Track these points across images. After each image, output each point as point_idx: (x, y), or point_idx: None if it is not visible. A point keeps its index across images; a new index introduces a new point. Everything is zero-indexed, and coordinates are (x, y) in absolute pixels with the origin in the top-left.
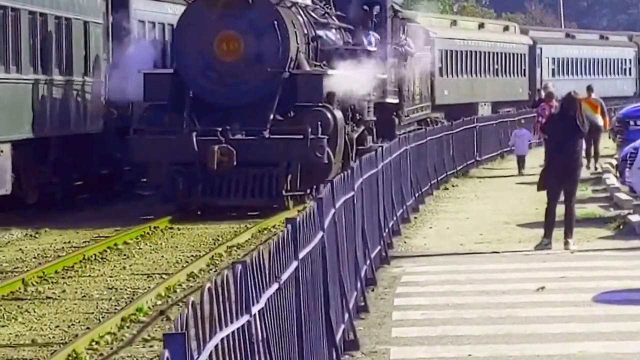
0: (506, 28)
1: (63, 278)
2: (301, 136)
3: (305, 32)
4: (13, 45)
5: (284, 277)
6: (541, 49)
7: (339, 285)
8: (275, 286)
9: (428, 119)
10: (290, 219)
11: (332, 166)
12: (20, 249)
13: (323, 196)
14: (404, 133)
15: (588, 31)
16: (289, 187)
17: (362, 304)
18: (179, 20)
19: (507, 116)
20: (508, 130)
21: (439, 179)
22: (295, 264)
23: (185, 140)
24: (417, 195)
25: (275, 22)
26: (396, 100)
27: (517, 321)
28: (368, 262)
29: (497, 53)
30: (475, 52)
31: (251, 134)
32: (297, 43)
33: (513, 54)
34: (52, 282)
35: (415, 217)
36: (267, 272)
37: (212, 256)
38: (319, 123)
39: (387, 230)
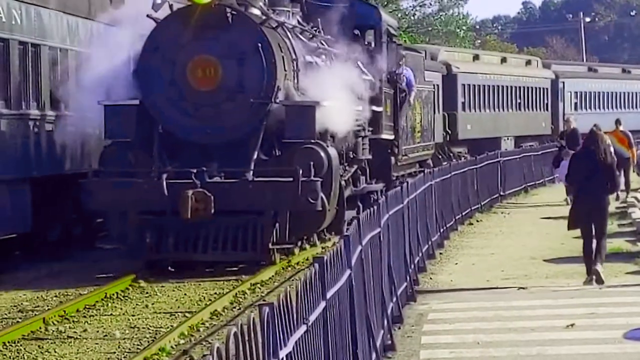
0: (528, 62)
1: (84, 317)
2: (290, 179)
3: (294, 57)
4: (33, 81)
5: (312, 318)
6: (564, 83)
7: (366, 324)
8: (303, 328)
9: (430, 161)
10: (318, 258)
11: (326, 213)
12: (41, 288)
13: (350, 233)
14: (402, 175)
15: (610, 65)
16: (276, 239)
17: (389, 342)
18: (145, 43)
19: (531, 150)
20: (532, 165)
21: (463, 214)
22: (323, 304)
23: (154, 184)
24: (442, 230)
25: (259, 45)
26: (392, 136)
27: (547, 359)
28: (395, 299)
29: (519, 87)
30: (498, 86)
31: (231, 177)
32: (285, 69)
33: (535, 88)
34: (73, 322)
35: (441, 253)
36: (294, 313)
37: (236, 294)
38: (311, 163)
39: (413, 266)
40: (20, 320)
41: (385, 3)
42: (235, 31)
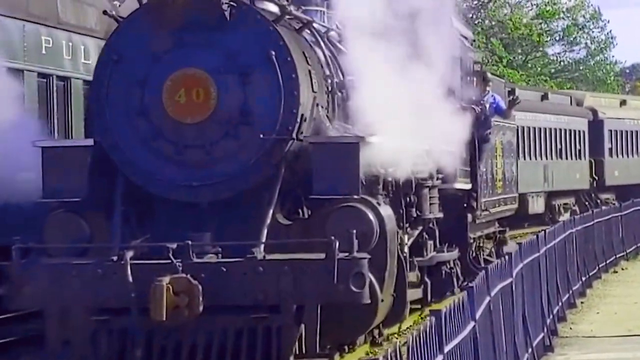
0: None
1: None
2: (322, 256)
3: (327, 72)
4: None
5: None
6: None
7: None
8: None
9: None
10: (435, 311)
11: (377, 305)
12: None
13: (475, 285)
14: (480, 236)
15: None
16: (301, 349)
17: None
18: (101, 53)
19: None
20: None
21: (607, 262)
22: (440, 358)
23: (113, 267)
24: (584, 279)
25: (273, 53)
26: (468, 186)
27: None
28: (530, 350)
29: None
30: None
31: (232, 254)
32: (313, 90)
33: None
34: None
35: (582, 302)
36: None
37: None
38: (354, 231)
39: (551, 316)
40: None
41: (532, 50)
42: (236, 33)
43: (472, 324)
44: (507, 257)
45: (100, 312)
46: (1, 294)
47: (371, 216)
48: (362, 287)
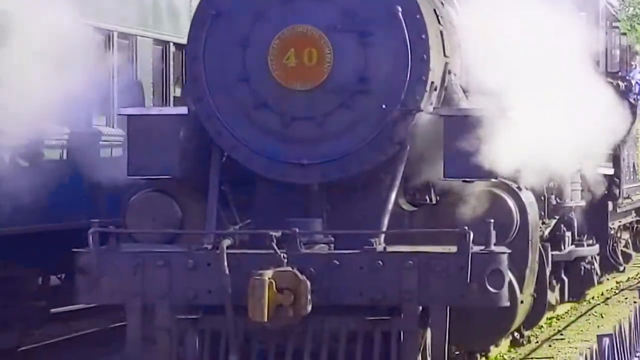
0: None
1: None
2: (453, 249)
3: (461, 35)
4: None
5: None
6: None
7: None
8: None
9: None
10: None
11: (516, 309)
12: None
13: None
14: (618, 227)
15: None
16: (426, 357)
17: None
18: (197, 8)
19: None
20: None
21: None
22: None
23: (206, 257)
24: None
25: (399, 9)
26: (611, 170)
27: None
28: None
29: None
30: None
31: (346, 245)
32: (446, 54)
33: None
34: None
35: None
36: (628, 344)
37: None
38: (491, 221)
39: None
40: None
41: None
42: None
43: None
44: None
45: (190, 310)
46: (76, 285)
47: (511, 203)
48: (500, 287)
